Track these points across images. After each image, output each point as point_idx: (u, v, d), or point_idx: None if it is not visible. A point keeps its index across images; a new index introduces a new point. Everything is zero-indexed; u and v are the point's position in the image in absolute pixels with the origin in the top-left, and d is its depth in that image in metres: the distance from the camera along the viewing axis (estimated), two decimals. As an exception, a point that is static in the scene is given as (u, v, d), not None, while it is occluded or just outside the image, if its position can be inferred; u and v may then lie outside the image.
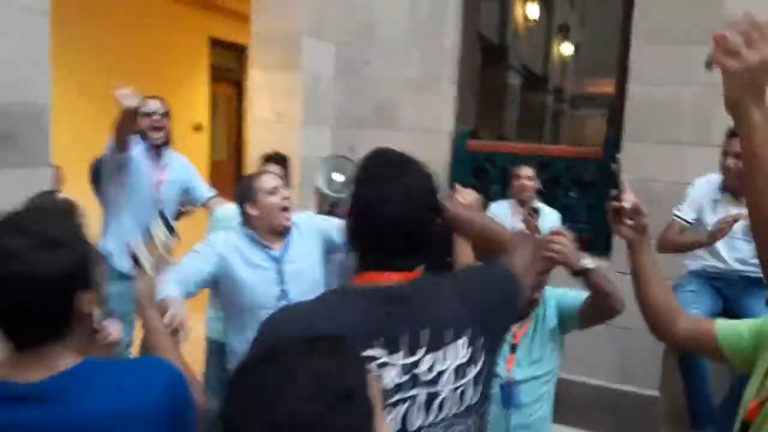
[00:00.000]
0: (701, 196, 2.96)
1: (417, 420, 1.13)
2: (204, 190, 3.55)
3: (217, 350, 2.80)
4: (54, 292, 0.97)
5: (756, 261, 1.30)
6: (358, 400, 0.78)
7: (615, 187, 1.50)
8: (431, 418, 1.15)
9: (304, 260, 2.42)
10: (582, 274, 1.95)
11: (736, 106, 1.10)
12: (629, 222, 1.49)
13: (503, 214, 3.59)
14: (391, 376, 1.11)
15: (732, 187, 2.85)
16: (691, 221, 2.94)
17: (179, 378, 1.09)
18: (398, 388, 1.12)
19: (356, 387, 0.78)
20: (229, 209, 2.99)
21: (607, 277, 1.99)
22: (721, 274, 2.88)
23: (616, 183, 1.51)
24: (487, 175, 4.41)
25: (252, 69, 4.42)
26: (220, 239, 2.41)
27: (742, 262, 2.82)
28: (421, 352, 1.14)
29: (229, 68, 7.66)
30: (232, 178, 7.40)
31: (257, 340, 1.16)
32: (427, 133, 4.32)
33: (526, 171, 3.76)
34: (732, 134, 2.85)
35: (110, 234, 3.21)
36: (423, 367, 1.14)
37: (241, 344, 2.25)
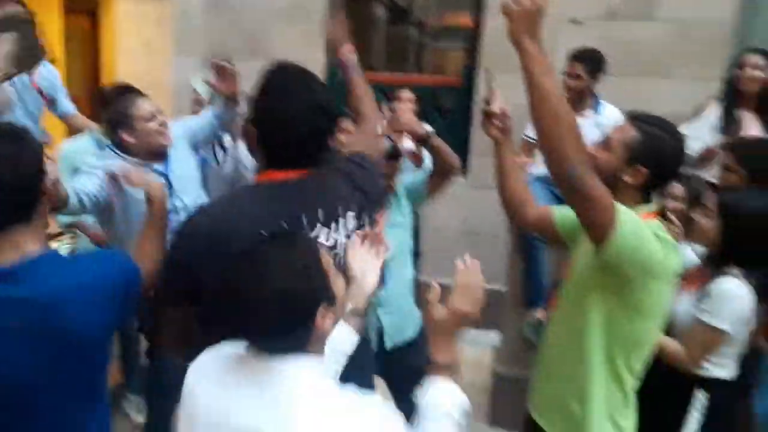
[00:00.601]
0: None
1: None
2: (68, 105, 3.60)
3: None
4: (24, 184, 1.16)
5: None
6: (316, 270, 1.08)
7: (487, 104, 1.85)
8: None
9: (184, 168, 2.49)
10: (425, 139, 2.38)
11: (517, 42, 1.43)
12: (497, 124, 1.83)
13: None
14: None
15: (571, 104, 3.34)
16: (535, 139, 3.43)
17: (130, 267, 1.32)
18: None
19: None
20: (77, 142, 3.12)
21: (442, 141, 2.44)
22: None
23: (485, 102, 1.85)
24: (359, 104, 4.69)
25: (119, 1, 4.31)
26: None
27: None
28: (318, 227, 1.45)
29: (82, -2, 7.18)
30: (90, 113, 7.10)
31: (178, 241, 1.40)
32: (300, 65, 4.48)
33: (407, 94, 3.96)
34: (572, 57, 3.35)
35: None
36: (322, 238, 1.46)
37: None
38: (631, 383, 1.71)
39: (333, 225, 1.49)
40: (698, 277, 2.01)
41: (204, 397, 1.11)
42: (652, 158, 1.61)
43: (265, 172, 1.47)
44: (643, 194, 1.67)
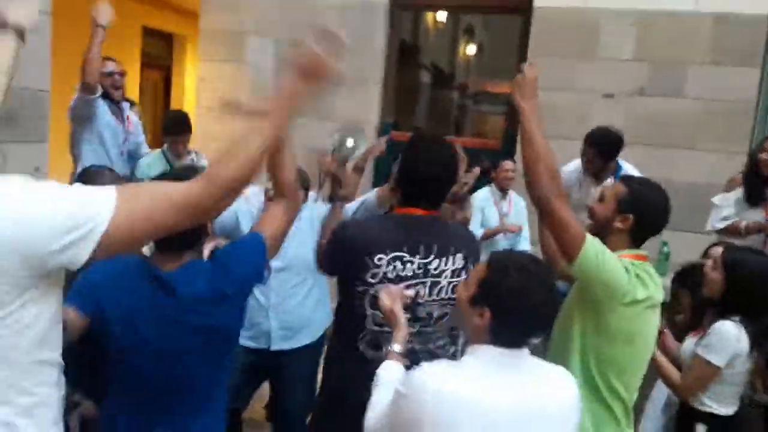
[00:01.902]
0: (569, 178, 3.83)
1: (422, 296, 1.93)
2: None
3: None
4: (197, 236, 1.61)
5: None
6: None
7: None
8: (432, 296, 1.95)
9: None
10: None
11: (518, 103, 1.94)
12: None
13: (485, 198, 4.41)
14: (413, 268, 1.92)
15: (594, 177, 3.72)
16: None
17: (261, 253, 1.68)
18: (415, 276, 1.92)
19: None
20: (150, 157, 3.90)
21: None
22: None
23: None
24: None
25: (201, 62, 4.92)
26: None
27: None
28: (432, 257, 1.94)
29: (159, 55, 7.97)
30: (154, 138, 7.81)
31: (339, 232, 1.98)
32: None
33: (508, 164, 4.42)
34: (586, 140, 3.70)
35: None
36: (432, 266, 1.94)
37: None
38: (617, 403, 1.95)
39: (444, 258, 1.95)
40: (706, 323, 2.34)
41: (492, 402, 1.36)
42: (637, 208, 1.96)
43: (398, 208, 2.01)
44: (632, 240, 1.99)
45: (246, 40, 4.80)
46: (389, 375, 1.58)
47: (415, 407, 1.36)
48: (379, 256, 1.89)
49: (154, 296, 1.55)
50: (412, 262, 1.91)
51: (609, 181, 3.63)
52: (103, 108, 3.83)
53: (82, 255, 1.07)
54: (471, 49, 10.44)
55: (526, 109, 1.91)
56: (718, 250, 2.44)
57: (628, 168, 3.75)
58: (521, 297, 1.38)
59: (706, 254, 2.73)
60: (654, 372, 2.34)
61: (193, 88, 6.65)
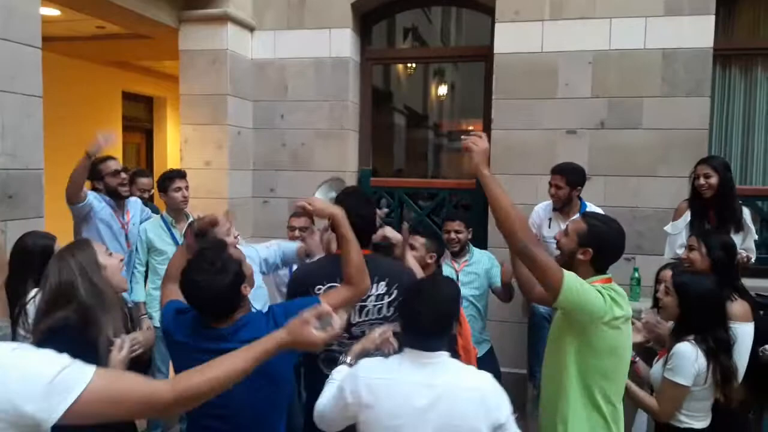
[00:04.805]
0: (539, 216, 4.08)
1: (354, 318, 2.40)
2: None
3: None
4: (234, 291, 1.89)
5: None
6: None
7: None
8: (362, 317, 2.42)
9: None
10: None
11: (477, 169, 2.22)
12: None
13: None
14: None
15: (560, 208, 3.96)
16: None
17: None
18: None
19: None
20: (152, 222, 4.10)
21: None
22: None
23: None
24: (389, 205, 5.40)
25: (183, 125, 5.12)
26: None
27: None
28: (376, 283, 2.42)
29: (138, 118, 8.18)
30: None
31: (293, 273, 2.39)
32: (336, 174, 5.21)
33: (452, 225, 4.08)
34: (553, 171, 3.98)
35: None
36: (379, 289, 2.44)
37: None
38: (610, 409, 2.20)
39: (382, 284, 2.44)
40: (669, 345, 2.54)
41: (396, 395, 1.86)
42: (595, 242, 2.23)
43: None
44: (595, 268, 2.24)
45: (225, 102, 5.02)
46: (337, 375, 2.09)
47: (353, 384, 1.90)
48: (318, 286, 2.36)
49: (209, 342, 1.86)
50: None
51: (576, 217, 3.87)
52: (101, 207, 3.99)
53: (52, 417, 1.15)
54: (442, 90, 10.83)
55: (487, 176, 2.18)
56: (668, 274, 2.65)
57: (591, 206, 4.02)
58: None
59: (657, 278, 2.94)
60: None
61: (175, 149, 6.85)
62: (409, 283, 2.35)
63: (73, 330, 1.89)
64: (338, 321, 1.61)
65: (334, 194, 3.79)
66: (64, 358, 1.21)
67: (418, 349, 1.90)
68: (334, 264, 2.29)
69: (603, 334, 2.13)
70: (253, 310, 2.08)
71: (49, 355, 1.22)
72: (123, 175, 4.09)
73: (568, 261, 2.27)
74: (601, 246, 2.23)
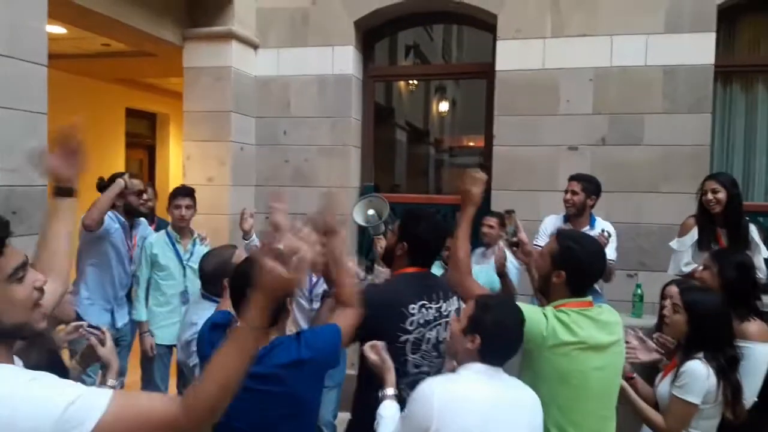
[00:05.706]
0: (551, 227, 4.05)
1: (440, 336, 2.31)
2: None
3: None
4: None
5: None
6: None
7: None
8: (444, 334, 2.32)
9: None
10: None
11: (473, 201, 2.36)
12: (524, 249, 2.62)
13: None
14: (432, 313, 2.29)
15: (573, 218, 3.95)
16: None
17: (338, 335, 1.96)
18: (435, 318, 2.29)
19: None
20: (157, 236, 4.08)
21: None
22: None
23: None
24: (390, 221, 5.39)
25: (186, 141, 5.15)
26: None
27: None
28: (441, 301, 2.34)
29: (141, 134, 8.22)
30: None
31: (368, 296, 2.17)
32: (338, 190, 5.23)
33: (489, 220, 4.27)
34: (571, 178, 3.98)
35: (91, 290, 3.88)
36: (443, 307, 2.34)
37: None
38: None
39: (448, 300, 2.38)
40: (675, 363, 2.51)
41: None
42: (568, 265, 2.13)
43: (405, 268, 2.34)
44: (570, 290, 2.14)
45: (228, 118, 5.05)
46: (389, 412, 1.97)
47: (423, 410, 1.74)
48: (411, 306, 2.24)
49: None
50: (431, 308, 2.30)
51: (586, 229, 3.87)
52: (115, 229, 3.89)
53: None
54: (444, 107, 10.87)
55: (469, 215, 2.33)
56: (674, 290, 2.63)
57: (600, 221, 4.00)
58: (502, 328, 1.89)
59: (663, 294, 2.91)
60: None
61: (178, 165, 6.88)
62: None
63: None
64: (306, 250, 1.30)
65: (372, 212, 3.76)
66: (78, 388, 1.18)
67: (496, 366, 1.88)
68: (418, 281, 2.31)
69: (546, 360, 2.04)
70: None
71: (62, 385, 1.19)
72: (145, 196, 4.03)
73: (544, 284, 2.20)
74: (574, 269, 2.13)
